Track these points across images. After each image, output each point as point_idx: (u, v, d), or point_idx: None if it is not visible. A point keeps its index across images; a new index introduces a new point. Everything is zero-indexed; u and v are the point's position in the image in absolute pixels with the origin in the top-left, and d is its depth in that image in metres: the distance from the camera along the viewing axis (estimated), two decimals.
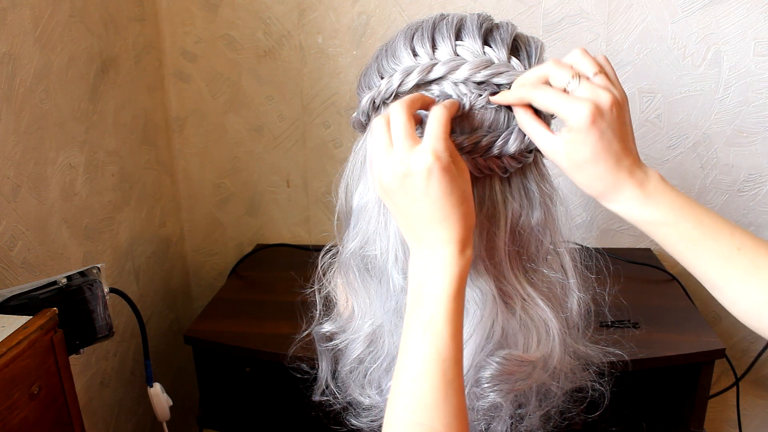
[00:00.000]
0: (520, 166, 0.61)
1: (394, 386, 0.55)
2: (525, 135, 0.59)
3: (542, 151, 0.58)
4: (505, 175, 0.61)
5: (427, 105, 0.58)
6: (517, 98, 0.57)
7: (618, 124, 0.55)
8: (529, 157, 0.61)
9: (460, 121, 0.60)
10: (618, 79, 0.58)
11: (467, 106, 0.58)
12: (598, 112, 0.53)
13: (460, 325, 0.55)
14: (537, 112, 0.58)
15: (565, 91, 0.55)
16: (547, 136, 0.56)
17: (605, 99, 0.54)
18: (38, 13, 1.05)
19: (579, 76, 0.55)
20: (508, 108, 0.59)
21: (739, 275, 0.54)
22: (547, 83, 0.57)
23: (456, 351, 0.54)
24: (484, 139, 0.58)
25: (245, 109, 1.50)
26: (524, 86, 0.56)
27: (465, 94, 0.58)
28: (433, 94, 0.59)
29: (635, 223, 0.57)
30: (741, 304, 0.56)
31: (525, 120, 0.57)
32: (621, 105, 0.56)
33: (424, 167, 0.53)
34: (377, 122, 0.57)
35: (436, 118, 0.55)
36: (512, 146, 0.58)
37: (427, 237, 0.56)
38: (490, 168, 0.59)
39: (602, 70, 0.56)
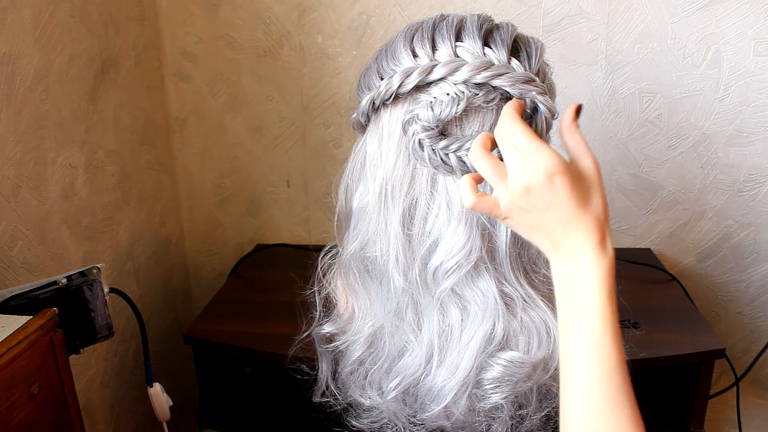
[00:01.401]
0: None
1: (564, 402, 0.55)
2: None
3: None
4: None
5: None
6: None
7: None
8: None
9: (461, 122, 0.59)
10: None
11: (466, 106, 0.58)
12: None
13: (618, 325, 0.54)
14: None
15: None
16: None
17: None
18: (38, 13, 1.05)
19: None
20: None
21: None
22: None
23: (619, 354, 0.54)
24: None
25: (245, 109, 1.50)
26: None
27: (463, 92, 0.58)
28: (430, 93, 0.59)
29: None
30: None
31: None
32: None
33: (544, 176, 0.53)
34: (476, 154, 0.57)
35: (520, 130, 0.55)
36: None
37: (563, 244, 0.55)
38: None
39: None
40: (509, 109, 0.56)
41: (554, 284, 0.57)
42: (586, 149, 0.56)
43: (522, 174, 0.54)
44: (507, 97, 0.58)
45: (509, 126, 0.55)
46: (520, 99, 0.58)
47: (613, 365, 0.53)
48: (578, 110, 0.58)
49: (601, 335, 0.53)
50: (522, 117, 0.57)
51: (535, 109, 0.59)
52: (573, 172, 0.54)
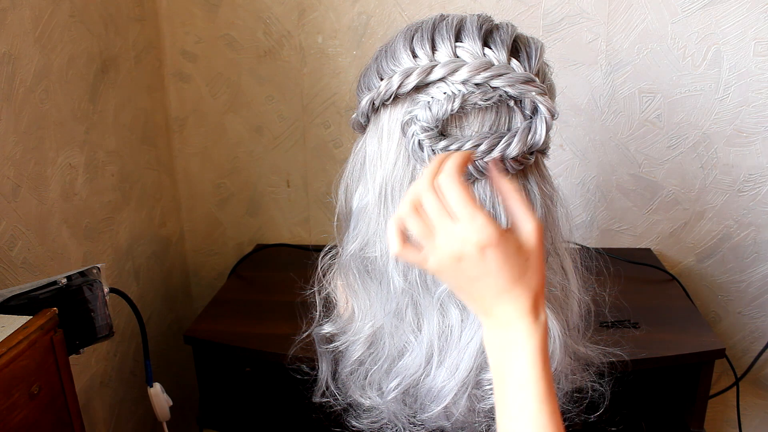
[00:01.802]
0: (522, 167, 0.60)
1: None
2: (527, 137, 0.58)
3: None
4: (507, 177, 0.60)
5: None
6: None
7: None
8: (531, 158, 0.60)
9: (460, 122, 0.59)
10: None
11: (463, 104, 0.58)
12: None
13: (554, 399, 0.53)
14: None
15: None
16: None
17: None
18: (38, 13, 1.05)
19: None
20: (516, 105, 0.59)
21: None
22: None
23: (556, 426, 0.52)
24: (485, 142, 0.58)
25: (245, 109, 1.50)
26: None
27: (459, 90, 0.58)
28: (429, 94, 0.59)
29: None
30: None
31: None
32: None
33: (474, 246, 0.51)
34: (404, 213, 0.54)
35: (457, 191, 0.52)
36: (514, 149, 0.58)
37: (495, 312, 0.54)
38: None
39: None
40: (451, 165, 0.53)
41: (486, 351, 0.56)
42: (526, 212, 0.53)
43: (452, 242, 0.51)
44: (507, 97, 0.58)
45: (446, 184, 0.52)
46: (466, 152, 0.56)
47: None
48: (502, 161, 0.56)
49: (537, 411, 0.52)
50: (463, 174, 0.54)
51: (535, 109, 0.59)
52: (508, 243, 0.52)
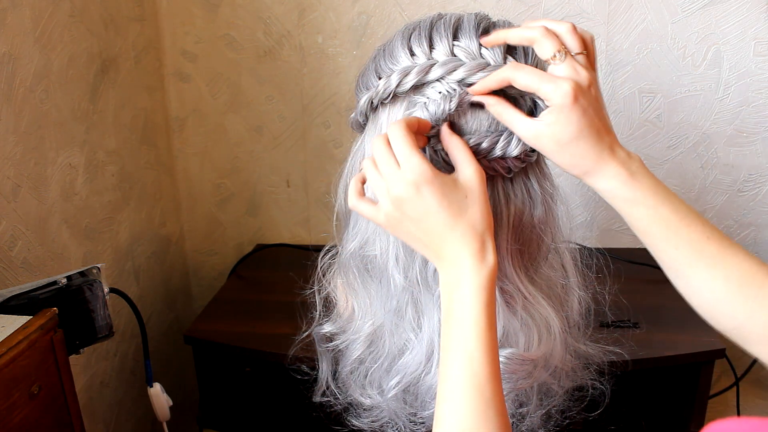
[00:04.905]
0: (523, 165, 0.60)
1: (436, 412, 0.55)
2: None
3: (524, 138, 0.57)
4: (509, 175, 0.60)
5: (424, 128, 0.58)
6: (497, 81, 0.56)
7: (597, 103, 0.56)
8: (533, 156, 0.61)
9: (459, 123, 0.59)
10: (595, 60, 0.58)
11: (460, 102, 0.58)
12: (579, 90, 0.54)
13: (494, 340, 0.54)
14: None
15: (548, 62, 0.56)
16: (528, 122, 0.56)
17: (584, 78, 0.55)
18: (38, 13, 1.05)
19: (565, 53, 0.55)
20: (514, 103, 0.59)
21: (707, 263, 0.55)
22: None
23: (492, 369, 0.53)
24: (486, 141, 0.58)
25: (245, 109, 1.50)
26: (504, 69, 0.56)
27: (455, 89, 0.58)
28: (425, 94, 0.59)
29: (614, 200, 0.58)
30: (703, 295, 0.56)
31: (502, 110, 0.57)
32: (597, 85, 0.56)
33: (410, 185, 0.54)
34: (366, 164, 0.58)
35: (395, 137, 0.55)
36: (515, 148, 0.58)
37: (444, 254, 0.55)
38: (494, 169, 0.59)
39: (584, 51, 0.57)
40: (402, 120, 0.57)
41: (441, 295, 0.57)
42: (466, 158, 0.56)
43: (394, 187, 0.55)
44: (506, 95, 0.58)
45: (390, 132, 0.56)
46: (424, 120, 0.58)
47: (483, 381, 0.53)
48: (451, 123, 0.58)
49: (474, 348, 0.53)
50: (414, 129, 0.56)
51: (533, 107, 0.59)
52: (444, 180, 0.54)
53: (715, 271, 0.55)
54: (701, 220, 0.56)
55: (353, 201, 0.59)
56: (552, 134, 0.55)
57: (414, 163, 0.54)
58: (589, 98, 0.54)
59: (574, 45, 0.56)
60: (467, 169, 0.56)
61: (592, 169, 0.56)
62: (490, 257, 0.55)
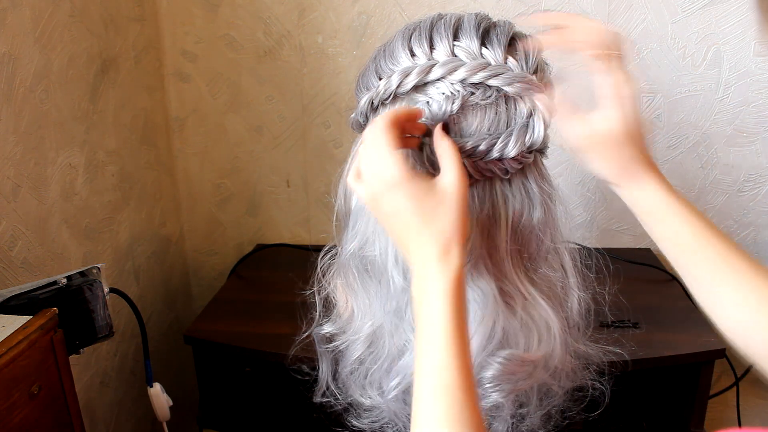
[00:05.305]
0: (521, 167, 0.60)
1: (411, 424, 0.54)
2: (525, 136, 0.58)
3: (575, 134, 0.58)
4: (506, 177, 0.60)
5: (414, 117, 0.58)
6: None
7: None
8: (530, 157, 0.60)
9: (458, 123, 0.59)
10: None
11: (462, 104, 0.58)
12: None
13: (464, 347, 0.53)
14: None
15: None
16: (583, 118, 0.57)
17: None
18: (38, 13, 1.05)
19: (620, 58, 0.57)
20: (515, 104, 0.59)
21: (738, 279, 0.55)
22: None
23: (463, 372, 0.52)
24: (483, 143, 0.58)
25: (245, 109, 1.50)
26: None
27: (458, 91, 0.58)
28: (427, 94, 0.59)
29: (648, 211, 0.58)
30: (733, 313, 0.56)
31: (557, 105, 0.58)
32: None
33: (384, 183, 0.54)
34: (360, 149, 0.58)
35: (376, 134, 0.55)
36: (512, 149, 0.58)
37: (413, 253, 0.56)
38: (491, 170, 0.59)
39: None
40: (390, 111, 0.56)
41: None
42: (451, 163, 0.55)
43: (370, 177, 0.56)
44: (506, 95, 0.58)
45: (376, 121, 0.56)
46: (415, 109, 0.58)
47: (454, 387, 0.51)
48: (445, 125, 0.58)
49: (443, 359, 0.52)
50: (400, 121, 0.56)
51: (533, 108, 0.59)
52: (417, 185, 0.54)
53: (745, 289, 0.56)
54: (725, 233, 0.57)
55: (350, 181, 0.59)
56: (608, 129, 0.56)
57: (389, 163, 0.54)
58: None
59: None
60: (448, 175, 0.55)
61: (634, 175, 0.57)
62: (455, 260, 0.54)
